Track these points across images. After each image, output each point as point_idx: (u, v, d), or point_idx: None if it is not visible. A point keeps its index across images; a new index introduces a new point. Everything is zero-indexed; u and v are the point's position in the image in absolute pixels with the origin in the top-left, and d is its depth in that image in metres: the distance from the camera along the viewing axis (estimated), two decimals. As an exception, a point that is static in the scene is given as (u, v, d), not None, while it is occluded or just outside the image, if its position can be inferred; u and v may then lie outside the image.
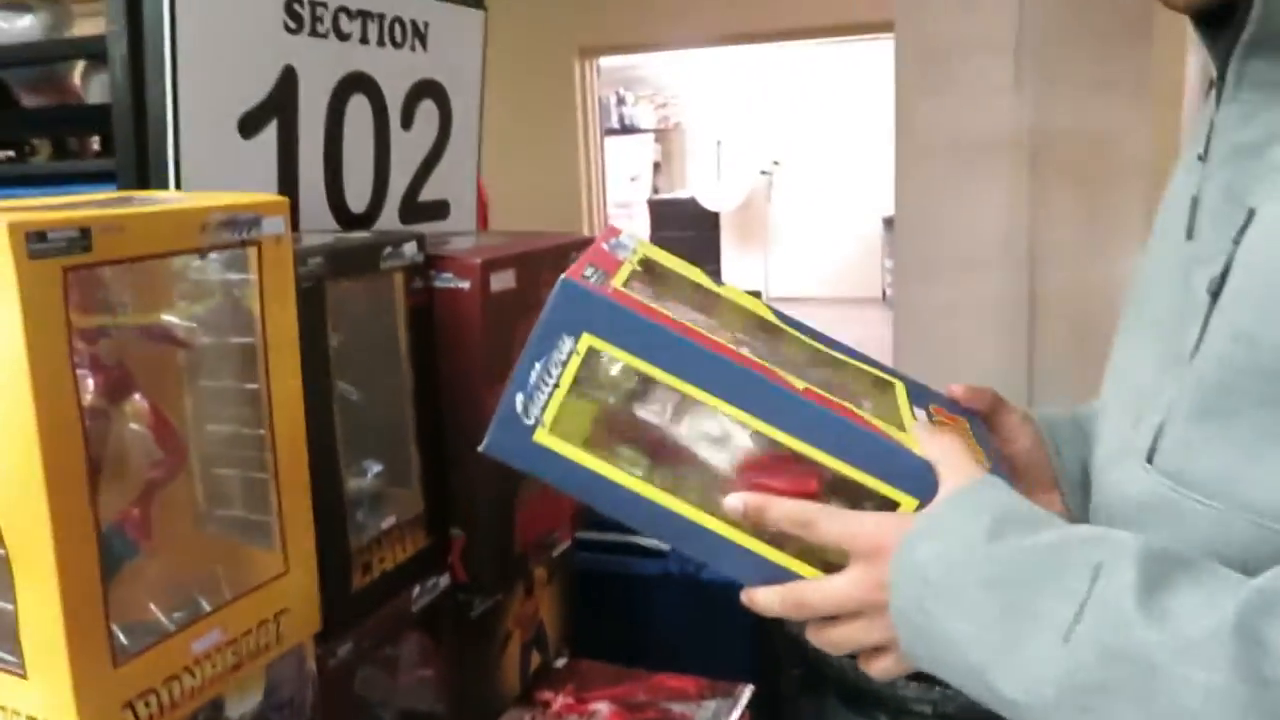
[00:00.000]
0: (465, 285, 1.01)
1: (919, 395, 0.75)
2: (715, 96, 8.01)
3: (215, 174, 0.99)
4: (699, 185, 8.11)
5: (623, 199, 7.64)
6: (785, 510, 0.62)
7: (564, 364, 0.64)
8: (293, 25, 1.07)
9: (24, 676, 0.62)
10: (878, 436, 0.63)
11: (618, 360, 0.63)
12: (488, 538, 1.05)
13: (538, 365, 0.65)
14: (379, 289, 0.99)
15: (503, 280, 1.05)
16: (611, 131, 7.39)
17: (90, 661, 0.62)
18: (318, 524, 0.84)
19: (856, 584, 0.61)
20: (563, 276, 0.63)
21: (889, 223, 6.21)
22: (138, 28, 0.95)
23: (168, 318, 0.75)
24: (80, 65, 1.26)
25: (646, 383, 0.65)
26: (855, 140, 7.08)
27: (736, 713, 1.12)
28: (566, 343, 0.63)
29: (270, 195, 0.75)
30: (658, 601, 1.38)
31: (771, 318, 0.75)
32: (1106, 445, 0.67)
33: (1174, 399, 0.56)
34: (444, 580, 1.03)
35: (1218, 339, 0.54)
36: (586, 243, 1.20)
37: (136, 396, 0.71)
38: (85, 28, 1.26)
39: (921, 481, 0.63)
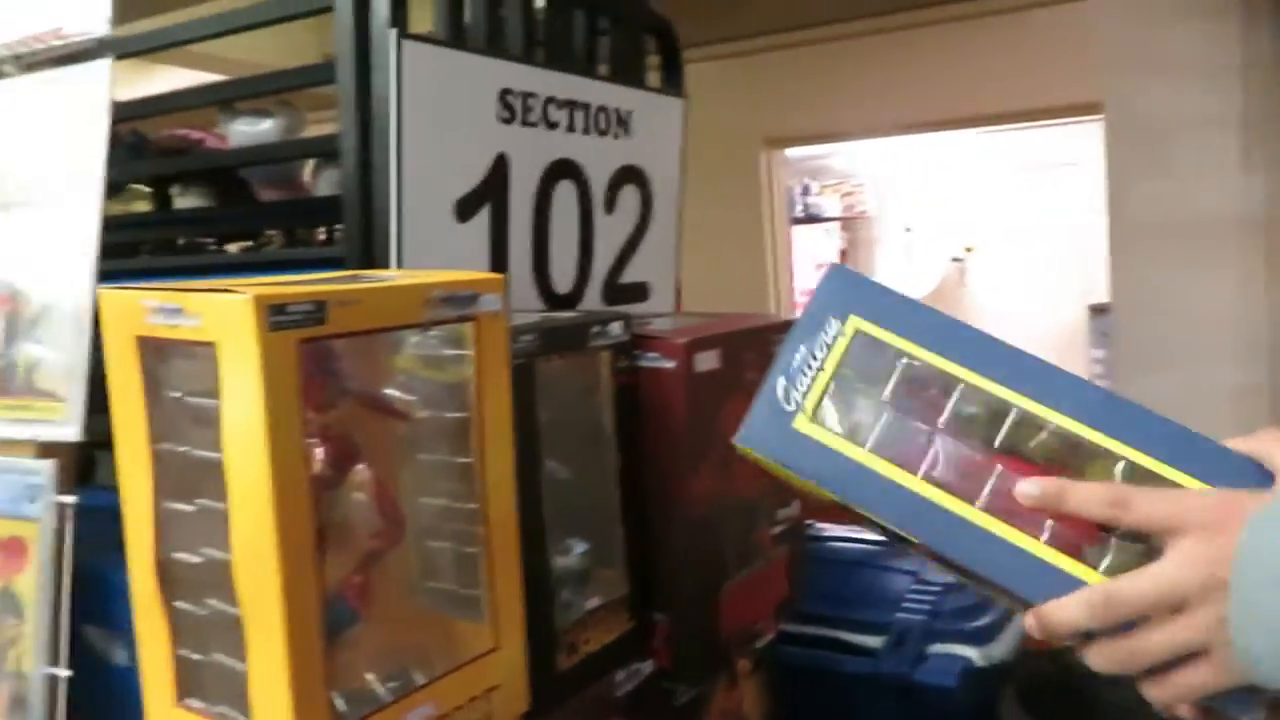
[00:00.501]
0: (670, 365, 1.01)
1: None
2: (904, 183, 7.91)
3: (433, 256, 1.03)
4: (886, 273, 7.98)
5: (808, 287, 7.60)
6: (1091, 492, 0.55)
7: (829, 346, 0.63)
8: (505, 115, 1.11)
9: (251, 739, 0.63)
10: (1180, 426, 0.58)
11: (884, 343, 0.62)
12: (692, 623, 1.02)
13: (802, 348, 0.64)
14: (585, 368, 0.99)
15: (707, 361, 1.03)
16: (797, 220, 7.41)
17: (311, 728, 0.62)
18: (525, 601, 0.83)
19: (1186, 563, 0.53)
20: (832, 262, 0.64)
21: (1096, 310, 5.88)
22: (366, 126, 1.01)
23: (390, 391, 0.77)
24: (311, 163, 1.35)
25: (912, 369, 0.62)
26: (1055, 224, 6.80)
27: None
28: (833, 325, 0.63)
29: (487, 274, 0.77)
30: (865, 702, 1.30)
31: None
32: None
33: None
34: (648, 666, 1.00)
35: None
36: (788, 325, 1.18)
37: (361, 467, 0.72)
38: (315, 129, 1.36)
39: (1243, 475, 0.56)
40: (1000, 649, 1.33)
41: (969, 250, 7.83)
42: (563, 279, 1.22)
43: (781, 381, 0.64)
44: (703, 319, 1.23)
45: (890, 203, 8.05)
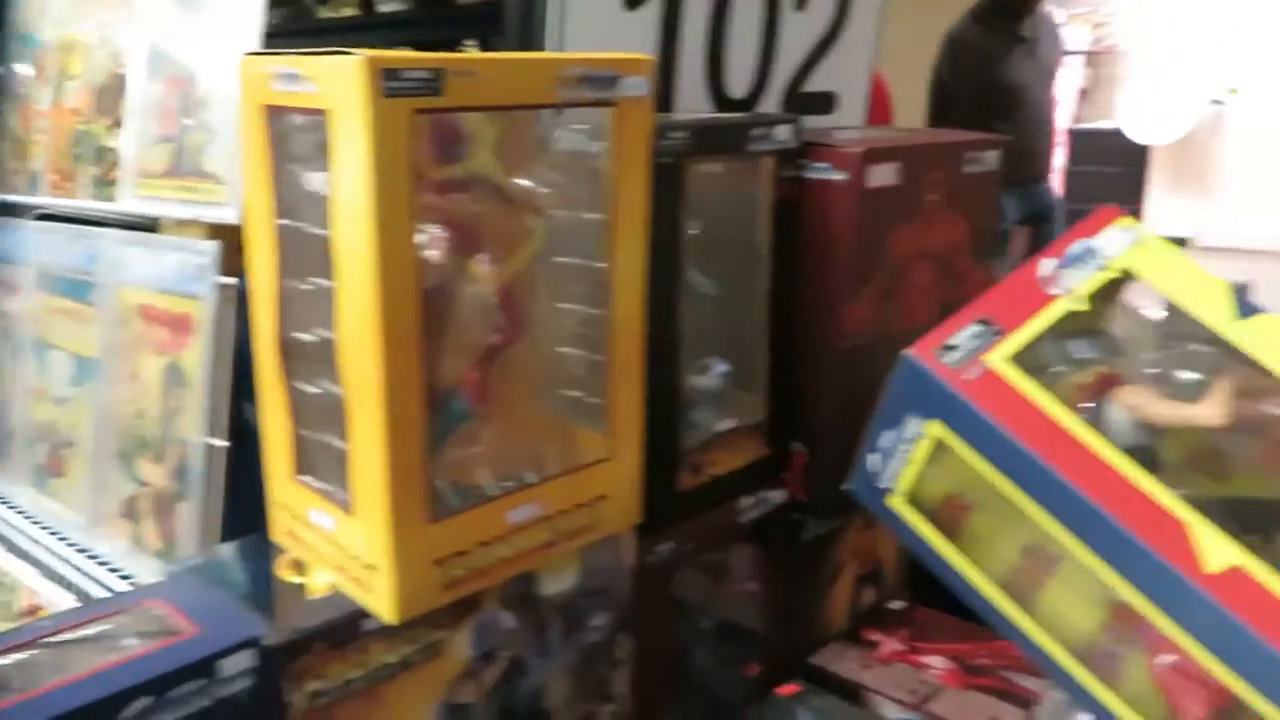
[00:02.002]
0: (841, 177, 0.91)
1: None
2: (1161, 13, 7.01)
3: (596, 45, 0.96)
4: (1128, 115, 7.21)
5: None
6: None
7: (914, 442, 0.57)
8: (689, -112, 1.00)
9: (350, 514, 0.64)
10: None
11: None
12: (831, 457, 0.96)
13: (888, 431, 0.59)
14: (745, 176, 0.91)
15: (883, 175, 0.93)
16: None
17: (408, 511, 0.62)
18: (650, 416, 0.80)
19: None
20: (911, 351, 0.54)
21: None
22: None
23: (523, 181, 0.72)
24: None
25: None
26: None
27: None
28: (914, 423, 0.57)
29: (633, 54, 0.70)
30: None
31: None
32: None
33: None
34: (778, 496, 0.96)
35: None
36: (987, 144, 1.05)
37: (482, 258, 0.69)
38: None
39: None
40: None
41: (1233, 93, 6.94)
42: (739, 81, 1.13)
43: (875, 457, 0.62)
44: (891, 133, 1.11)
45: (1144, 36, 7.18)
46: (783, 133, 0.89)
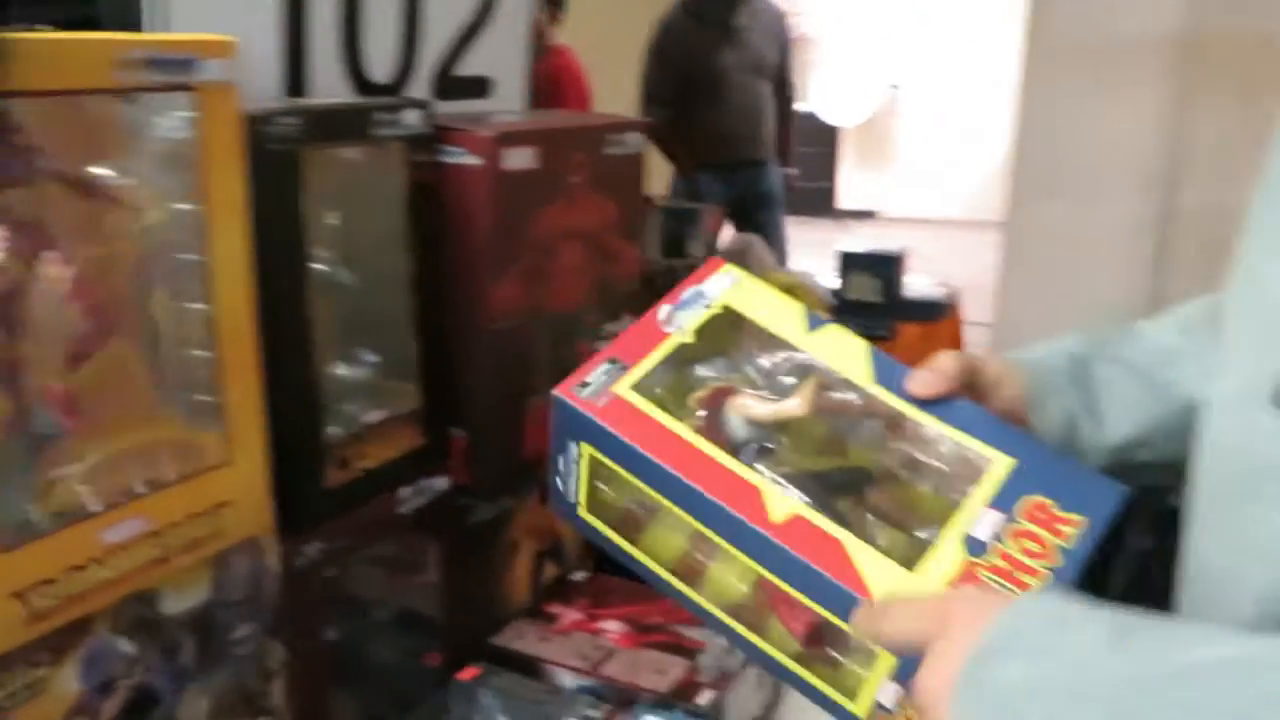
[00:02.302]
0: (476, 162, 0.91)
1: (1025, 481, 0.61)
2: (846, 6, 7.60)
3: (209, 23, 0.90)
4: (821, 99, 7.77)
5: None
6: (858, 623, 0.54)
7: (578, 462, 0.66)
8: None
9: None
10: (840, 586, 0.55)
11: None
12: (491, 440, 0.97)
13: (560, 457, 0.68)
14: (385, 164, 0.89)
15: (520, 158, 0.94)
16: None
17: (-28, 543, 0.56)
18: (285, 413, 0.77)
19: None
20: (556, 391, 0.65)
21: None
22: None
23: (104, 171, 0.67)
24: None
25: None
26: (989, 55, 6.63)
27: (757, 647, 1.02)
28: (573, 447, 0.66)
29: (215, 36, 0.66)
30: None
31: (860, 375, 0.66)
32: (1228, 381, 0.52)
33: None
34: (441, 483, 0.95)
35: None
36: (629, 125, 1.08)
37: (53, 256, 0.63)
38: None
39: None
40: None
41: (904, 79, 7.63)
42: (381, 65, 1.10)
43: (558, 478, 0.69)
44: (530, 116, 1.13)
45: (832, 27, 7.75)
46: (411, 118, 0.88)
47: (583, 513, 0.68)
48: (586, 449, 0.65)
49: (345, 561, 0.88)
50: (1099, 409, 0.67)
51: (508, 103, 1.30)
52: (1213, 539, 0.48)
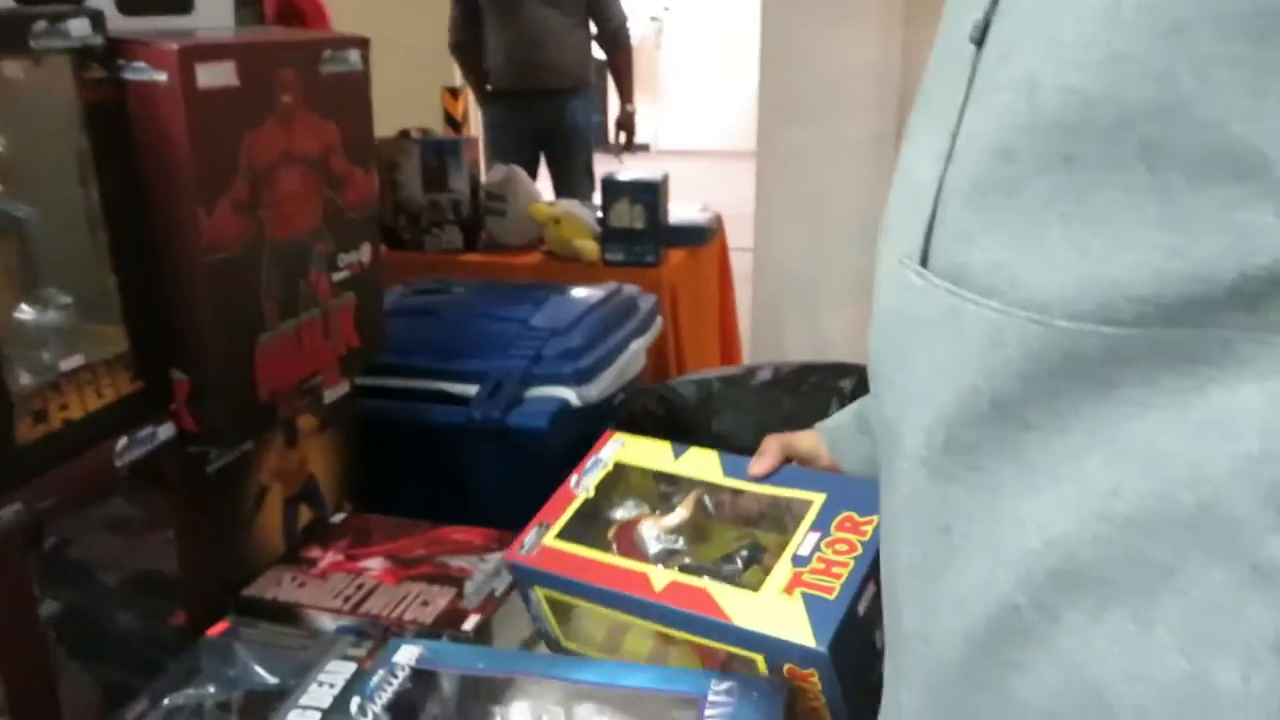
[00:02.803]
0: (162, 78, 0.84)
1: (834, 506, 0.82)
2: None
3: None
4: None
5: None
6: None
7: (540, 603, 0.87)
8: None
9: None
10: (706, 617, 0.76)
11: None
12: (219, 381, 0.91)
13: (529, 603, 0.89)
14: (53, 81, 0.80)
15: (217, 75, 0.87)
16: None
17: None
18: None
19: None
20: (505, 557, 0.89)
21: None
22: None
23: None
24: None
25: None
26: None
27: (523, 565, 1.02)
28: (532, 594, 0.87)
29: None
30: (457, 451, 1.27)
31: (717, 477, 0.90)
32: (884, 264, 0.55)
33: (949, 181, 0.44)
34: (165, 430, 0.89)
35: (988, 93, 0.42)
36: (345, 43, 1.03)
37: None
38: None
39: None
40: (599, 387, 1.34)
41: (666, 9, 7.71)
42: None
43: (530, 616, 0.91)
44: (230, 31, 1.05)
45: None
46: (78, 27, 0.79)
47: (565, 644, 0.89)
48: (540, 591, 0.86)
49: (60, 524, 0.80)
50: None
51: (215, 17, 1.21)
52: (883, 398, 0.51)
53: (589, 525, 0.89)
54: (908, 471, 0.47)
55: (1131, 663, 0.38)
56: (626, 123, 3.50)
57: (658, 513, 0.91)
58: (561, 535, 0.87)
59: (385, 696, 0.74)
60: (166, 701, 0.86)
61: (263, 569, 1.02)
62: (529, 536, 0.87)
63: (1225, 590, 0.35)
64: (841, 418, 0.89)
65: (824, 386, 1.56)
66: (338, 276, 1.05)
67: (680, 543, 0.88)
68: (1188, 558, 0.36)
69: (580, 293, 1.50)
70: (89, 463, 0.82)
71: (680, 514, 0.89)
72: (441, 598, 0.97)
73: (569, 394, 1.30)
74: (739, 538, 0.89)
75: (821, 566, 0.76)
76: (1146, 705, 0.37)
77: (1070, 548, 0.39)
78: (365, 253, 1.09)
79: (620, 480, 0.93)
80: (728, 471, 0.89)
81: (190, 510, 0.94)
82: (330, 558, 1.04)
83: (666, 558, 0.85)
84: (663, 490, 0.94)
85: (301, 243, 0.99)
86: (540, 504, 1.25)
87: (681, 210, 2.40)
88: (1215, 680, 0.36)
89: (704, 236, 2.43)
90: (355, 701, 0.73)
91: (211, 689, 0.88)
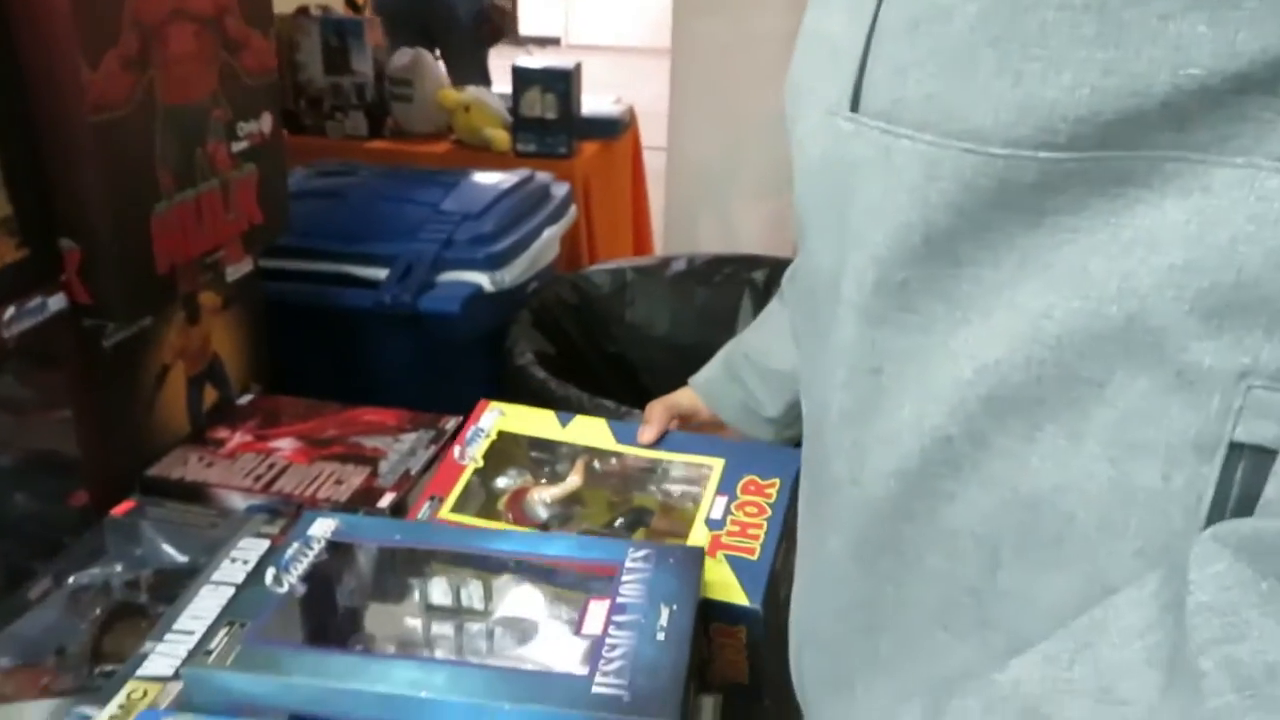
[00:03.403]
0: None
1: (735, 470, 0.85)
2: None
3: None
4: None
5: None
6: None
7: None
8: None
9: None
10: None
11: None
12: (111, 251, 0.86)
13: None
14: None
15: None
16: None
17: None
18: None
19: None
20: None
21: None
22: None
23: None
24: None
25: None
26: None
27: (438, 444, 1.01)
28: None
29: None
30: (367, 335, 1.25)
31: (609, 443, 0.91)
32: (805, 122, 0.54)
33: (883, 21, 0.43)
34: (56, 301, 0.84)
35: None
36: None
37: None
38: None
39: None
40: (513, 273, 1.32)
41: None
42: None
43: None
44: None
45: None
46: None
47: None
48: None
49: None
50: (755, 397, 0.87)
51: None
52: (813, 250, 0.51)
53: (480, 495, 0.89)
54: (841, 317, 0.47)
55: (1062, 475, 0.39)
56: (493, 14, 3.33)
57: (543, 481, 0.90)
58: (455, 509, 0.86)
59: (301, 567, 0.73)
60: (71, 580, 0.83)
61: (167, 450, 0.99)
62: (423, 511, 0.85)
63: (1150, 397, 0.37)
64: (711, 371, 0.91)
65: (736, 278, 1.57)
66: (237, 147, 1.00)
67: (579, 510, 0.88)
68: (1115, 370, 0.37)
69: (492, 178, 1.47)
70: (-26, 334, 0.77)
71: (572, 481, 0.89)
72: (356, 476, 0.96)
73: (482, 279, 1.28)
74: (621, 503, 0.90)
75: (737, 529, 0.80)
76: (1075, 513, 0.39)
77: (1003, 373, 0.40)
78: (266, 123, 1.04)
79: (504, 449, 0.92)
80: (618, 438, 0.91)
81: (87, 389, 0.90)
82: (239, 438, 1.02)
83: (559, 525, 0.86)
84: (547, 458, 0.93)
85: (197, 108, 0.94)
86: (450, 391, 1.25)
87: (594, 102, 2.36)
88: (1138, 481, 0.38)
89: (617, 129, 2.39)
90: (270, 573, 0.72)
91: (119, 568, 0.86)
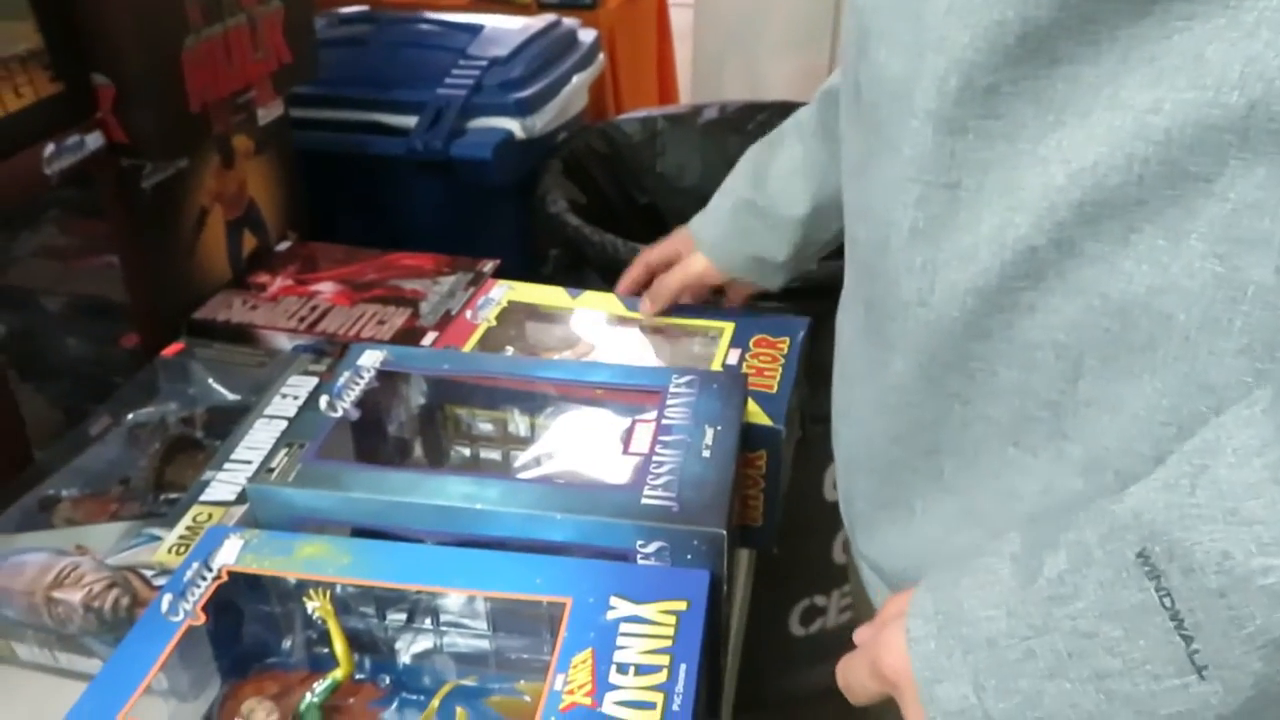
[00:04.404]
0: None
1: (745, 331, 0.88)
2: None
3: None
4: None
5: None
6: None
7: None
8: None
9: None
10: None
11: None
12: (145, 87, 0.85)
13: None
14: None
15: None
16: None
17: None
18: None
19: None
20: None
21: None
22: None
23: None
24: None
25: None
26: None
27: (477, 285, 1.02)
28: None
29: None
30: (398, 182, 1.23)
31: (620, 310, 0.92)
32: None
33: None
34: (94, 139, 0.84)
35: None
36: None
37: None
38: None
39: None
40: (542, 120, 1.30)
41: None
42: None
43: None
44: None
45: None
46: None
47: None
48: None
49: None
50: (769, 247, 0.84)
51: None
52: (878, 58, 0.48)
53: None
54: (915, 130, 0.45)
55: (1160, 277, 0.39)
56: None
57: (553, 346, 0.91)
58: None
59: (353, 394, 0.74)
60: (130, 417, 0.86)
61: (211, 294, 1.00)
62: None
63: (1267, 187, 0.36)
64: (718, 229, 0.88)
65: (769, 125, 1.52)
66: (260, -14, 0.97)
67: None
68: (1229, 163, 0.36)
69: (517, 23, 1.43)
70: (18, 169, 0.77)
71: (585, 346, 0.90)
72: (398, 317, 0.97)
73: (512, 125, 1.26)
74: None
75: (753, 370, 0.83)
76: (1174, 314, 0.39)
77: (1100, 175, 0.39)
78: (290, -39, 1.01)
79: (515, 316, 0.93)
80: (630, 309, 0.92)
81: (130, 233, 0.90)
82: (280, 282, 1.02)
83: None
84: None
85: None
86: (484, 238, 1.24)
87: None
88: (1247, 276, 0.37)
89: (641, -21, 2.31)
90: (324, 400, 0.74)
91: (173, 405, 0.88)
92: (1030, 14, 0.39)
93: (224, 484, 0.75)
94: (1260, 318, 0.37)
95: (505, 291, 0.95)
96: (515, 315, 0.93)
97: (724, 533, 0.61)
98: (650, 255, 0.92)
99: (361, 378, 0.76)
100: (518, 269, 1.05)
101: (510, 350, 0.91)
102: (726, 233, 0.87)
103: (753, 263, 0.87)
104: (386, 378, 0.77)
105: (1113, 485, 0.43)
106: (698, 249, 0.89)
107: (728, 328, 0.89)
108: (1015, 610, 0.39)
